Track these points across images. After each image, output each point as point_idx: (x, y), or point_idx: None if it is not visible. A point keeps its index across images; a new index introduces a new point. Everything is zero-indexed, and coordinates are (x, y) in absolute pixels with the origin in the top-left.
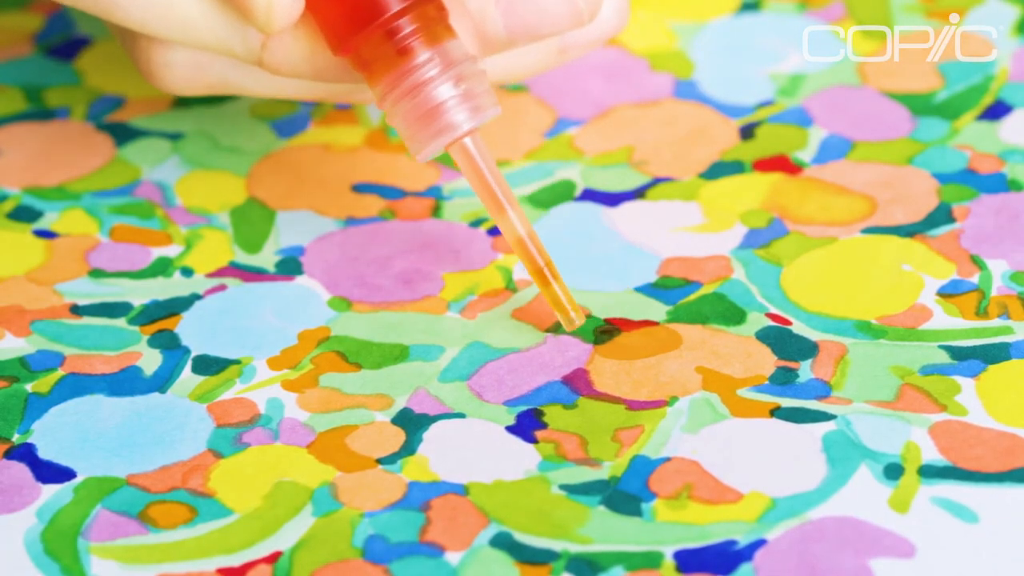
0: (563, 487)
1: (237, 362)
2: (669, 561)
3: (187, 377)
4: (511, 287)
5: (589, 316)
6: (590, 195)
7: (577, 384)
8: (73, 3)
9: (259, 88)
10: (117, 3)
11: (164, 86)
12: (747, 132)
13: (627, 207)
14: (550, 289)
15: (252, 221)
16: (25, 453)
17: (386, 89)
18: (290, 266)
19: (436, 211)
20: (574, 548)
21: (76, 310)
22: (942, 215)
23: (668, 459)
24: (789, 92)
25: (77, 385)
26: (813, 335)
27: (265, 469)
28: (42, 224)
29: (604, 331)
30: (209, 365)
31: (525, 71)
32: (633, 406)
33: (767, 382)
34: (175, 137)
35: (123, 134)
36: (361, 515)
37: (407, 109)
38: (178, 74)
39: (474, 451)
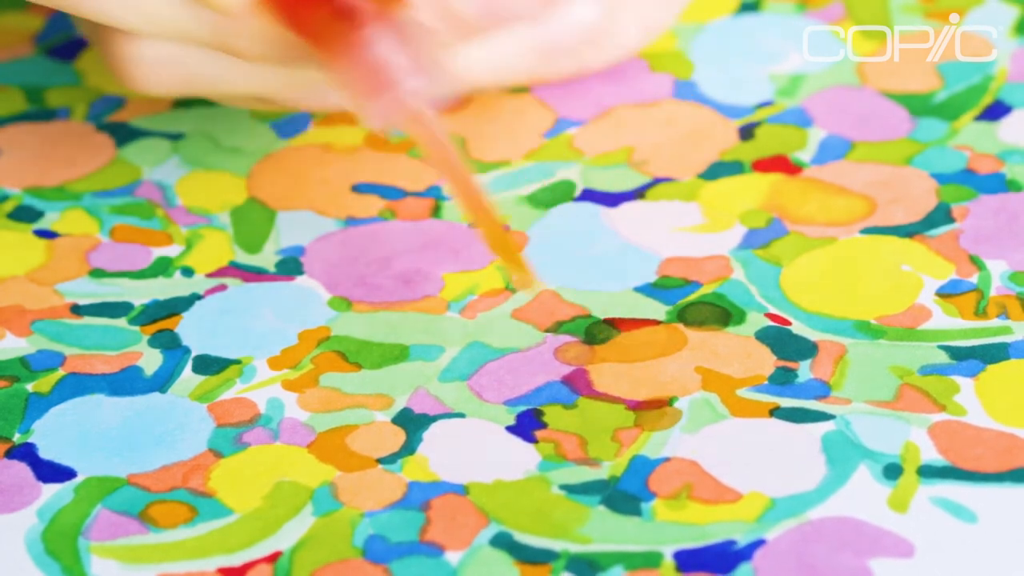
0: (563, 487)
1: (237, 362)
2: (669, 561)
3: (187, 377)
4: (511, 287)
5: (588, 315)
6: (590, 195)
7: (577, 384)
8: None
9: (233, 83)
10: None
11: (138, 85)
12: (747, 132)
13: (627, 207)
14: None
15: (252, 221)
16: (26, 453)
17: (332, 58)
18: (290, 266)
19: (436, 211)
20: (574, 548)
21: (76, 310)
22: (941, 215)
23: (668, 459)
24: (789, 92)
25: (77, 385)
26: (812, 335)
27: (265, 469)
28: (43, 224)
29: (601, 330)
30: (209, 365)
31: (509, 72)
32: (633, 406)
33: (766, 382)
34: (175, 137)
35: (123, 134)
36: (361, 515)
37: (353, 74)
38: (150, 71)
39: (474, 451)
